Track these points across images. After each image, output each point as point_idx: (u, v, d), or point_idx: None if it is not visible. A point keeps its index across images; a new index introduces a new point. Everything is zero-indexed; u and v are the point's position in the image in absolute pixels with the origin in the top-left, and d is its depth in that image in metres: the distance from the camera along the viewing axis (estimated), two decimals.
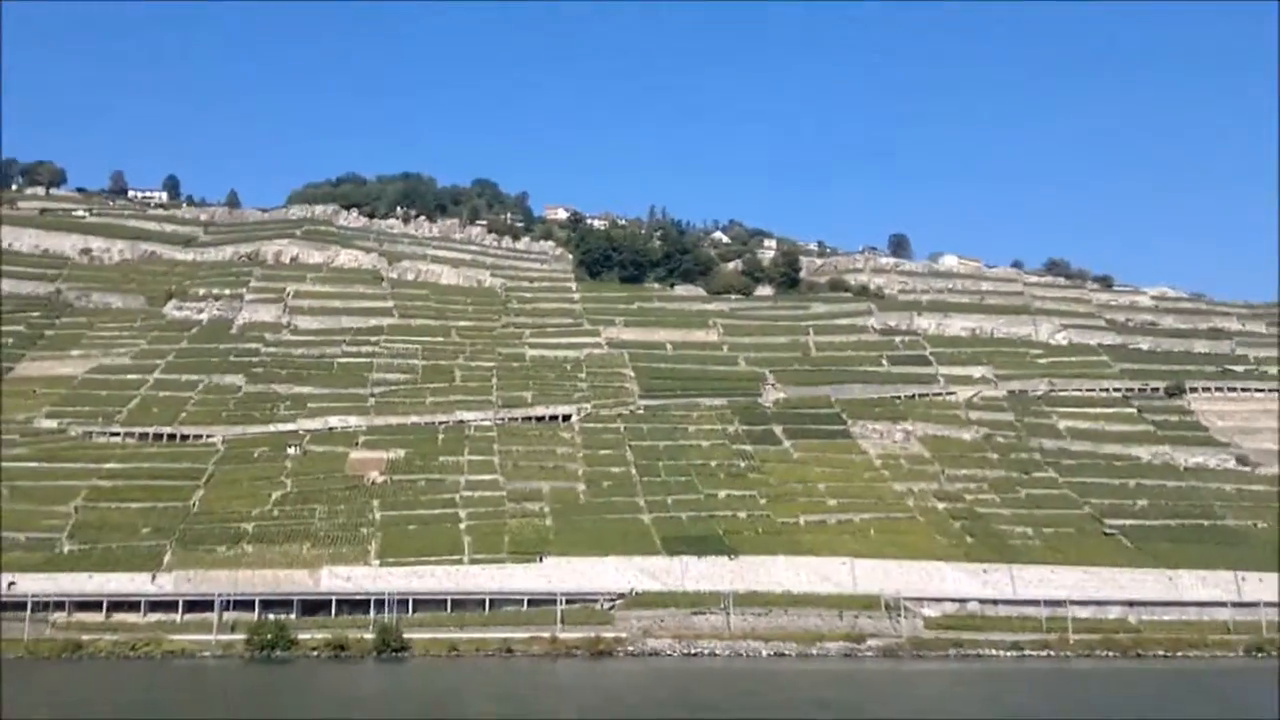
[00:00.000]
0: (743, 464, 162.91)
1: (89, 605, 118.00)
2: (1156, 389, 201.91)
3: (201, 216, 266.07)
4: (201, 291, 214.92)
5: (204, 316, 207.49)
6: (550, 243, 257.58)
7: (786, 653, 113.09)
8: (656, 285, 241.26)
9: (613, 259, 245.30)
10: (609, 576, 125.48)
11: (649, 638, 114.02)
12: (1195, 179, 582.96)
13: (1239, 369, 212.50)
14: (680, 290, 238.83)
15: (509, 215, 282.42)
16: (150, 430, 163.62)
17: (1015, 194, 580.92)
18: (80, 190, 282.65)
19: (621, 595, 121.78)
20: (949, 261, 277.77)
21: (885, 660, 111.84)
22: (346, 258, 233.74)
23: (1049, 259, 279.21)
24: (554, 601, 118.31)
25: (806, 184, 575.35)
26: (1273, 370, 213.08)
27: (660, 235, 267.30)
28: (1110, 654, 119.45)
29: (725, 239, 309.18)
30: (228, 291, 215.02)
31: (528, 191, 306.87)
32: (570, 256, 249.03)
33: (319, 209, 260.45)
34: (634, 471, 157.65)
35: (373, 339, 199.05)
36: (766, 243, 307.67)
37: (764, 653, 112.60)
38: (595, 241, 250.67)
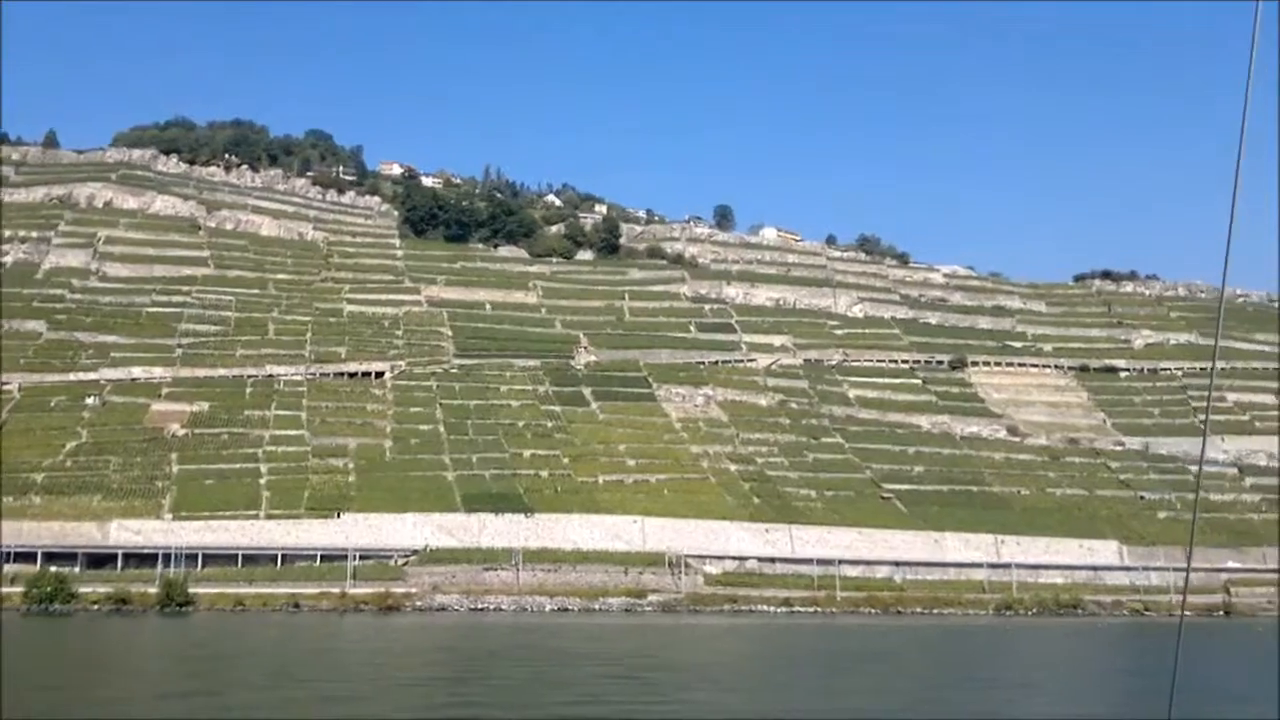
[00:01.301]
0: (550, 424, 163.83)
1: None
2: (941, 361, 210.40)
3: (14, 156, 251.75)
4: (6, 234, 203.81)
5: (8, 259, 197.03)
6: (377, 198, 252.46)
7: (570, 607, 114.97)
8: (480, 246, 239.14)
9: (438, 217, 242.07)
10: (406, 533, 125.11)
11: (438, 593, 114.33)
12: (1003, 165, 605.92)
13: (1017, 345, 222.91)
14: (503, 251, 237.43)
15: (340, 169, 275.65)
16: None
17: (834, 171, 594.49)
18: None
19: (416, 552, 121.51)
20: (768, 234, 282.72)
21: (663, 615, 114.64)
22: (163, 205, 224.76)
23: (860, 235, 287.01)
24: (348, 557, 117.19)
25: (638, 151, 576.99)
26: (1048, 347, 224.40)
27: (489, 196, 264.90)
28: (872, 610, 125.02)
29: (558, 202, 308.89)
30: (35, 234, 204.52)
31: (364, 145, 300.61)
32: (396, 213, 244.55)
33: (137, 153, 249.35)
34: (443, 430, 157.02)
35: (185, 289, 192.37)
36: (597, 208, 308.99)
37: (548, 607, 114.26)
38: (421, 199, 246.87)
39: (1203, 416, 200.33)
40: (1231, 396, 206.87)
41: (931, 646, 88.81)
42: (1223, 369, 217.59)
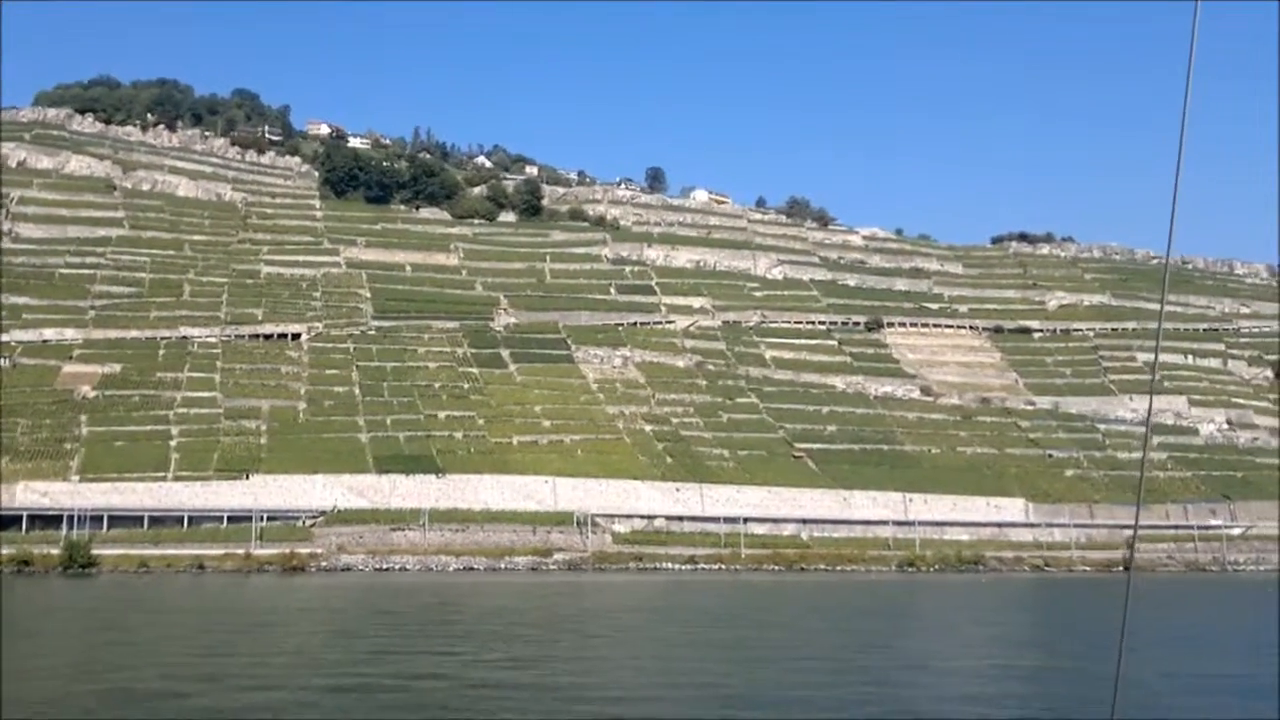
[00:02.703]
0: (466, 386, 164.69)
1: None
2: (858, 323, 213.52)
3: None
4: None
5: None
6: (297, 159, 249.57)
7: (475, 566, 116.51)
8: (402, 207, 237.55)
9: (359, 179, 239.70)
10: (315, 494, 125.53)
11: (343, 553, 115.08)
12: (930, 131, 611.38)
13: (933, 306, 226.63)
14: (425, 213, 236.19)
15: (266, 129, 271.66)
16: None
17: (767, 136, 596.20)
18: None
19: (324, 513, 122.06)
20: (699, 196, 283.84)
21: (568, 573, 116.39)
22: (78, 165, 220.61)
23: (790, 197, 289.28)
24: (253, 518, 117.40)
25: (572, 114, 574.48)
26: (963, 309, 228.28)
27: (412, 158, 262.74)
28: (776, 567, 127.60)
29: (487, 164, 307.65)
30: None
31: (291, 106, 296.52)
32: (316, 174, 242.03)
33: (53, 113, 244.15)
34: (358, 392, 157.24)
35: (99, 250, 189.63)
36: (528, 169, 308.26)
37: (453, 567, 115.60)
38: (342, 160, 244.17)
39: (1113, 377, 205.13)
40: (1141, 356, 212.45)
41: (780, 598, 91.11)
42: (1133, 329, 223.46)
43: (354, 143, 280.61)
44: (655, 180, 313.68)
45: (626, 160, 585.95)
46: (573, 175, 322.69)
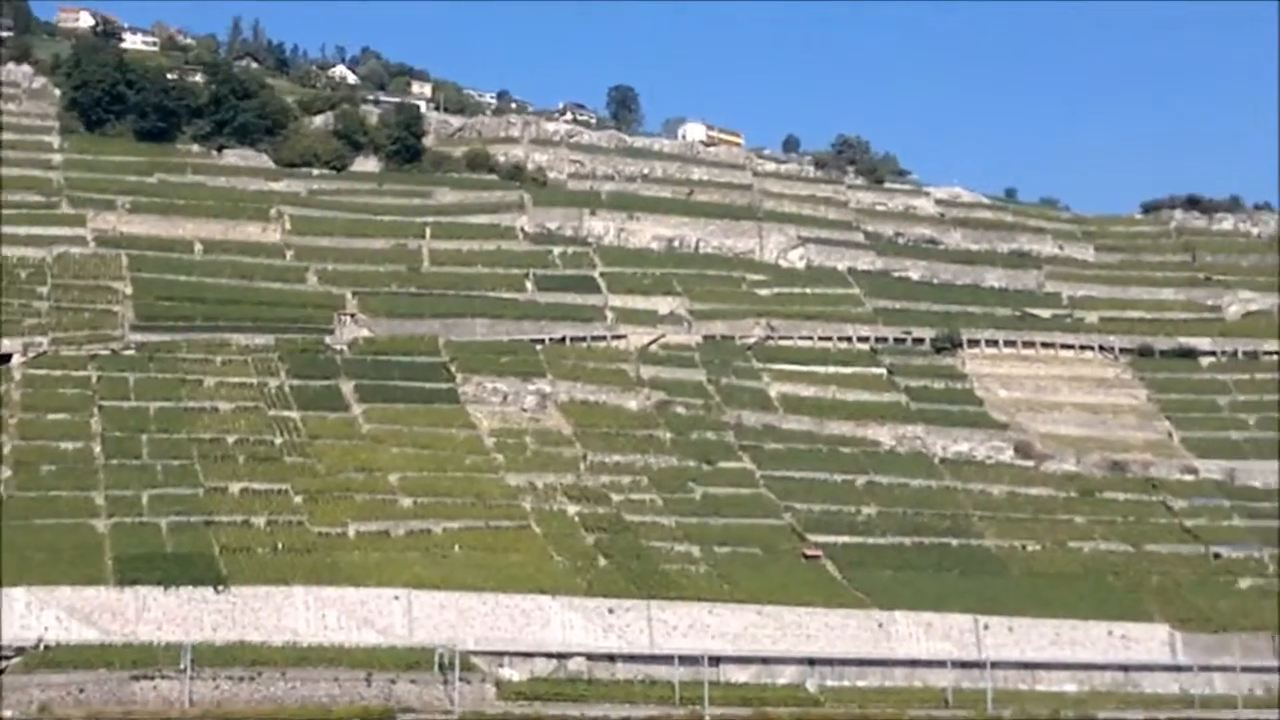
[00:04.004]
0: (279, 441, 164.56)
1: None
2: (921, 340, 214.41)
3: None
4: None
5: None
6: (27, 68, 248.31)
7: None
8: (195, 147, 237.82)
9: (127, 101, 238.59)
10: (13, 619, 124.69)
11: (48, 717, 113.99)
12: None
13: (1044, 314, 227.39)
14: (232, 157, 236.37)
15: None
16: None
17: (803, 53, 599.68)
18: None
19: (22, 649, 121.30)
20: (693, 133, 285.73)
21: None
22: None
23: (838, 136, 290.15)
24: None
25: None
26: (1091, 317, 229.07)
27: (223, 68, 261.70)
28: None
29: (351, 78, 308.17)
30: None
31: None
32: (59, 93, 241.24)
33: None
34: (98, 449, 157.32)
35: None
36: (416, 88, 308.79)
37: None
38: (101, 71, 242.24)
39: None
40: None
41: None
42: None
43: (131, 42, 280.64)
44: (622, 107, 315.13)
45: (582, 77, 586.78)
46: (490, 98, 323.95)
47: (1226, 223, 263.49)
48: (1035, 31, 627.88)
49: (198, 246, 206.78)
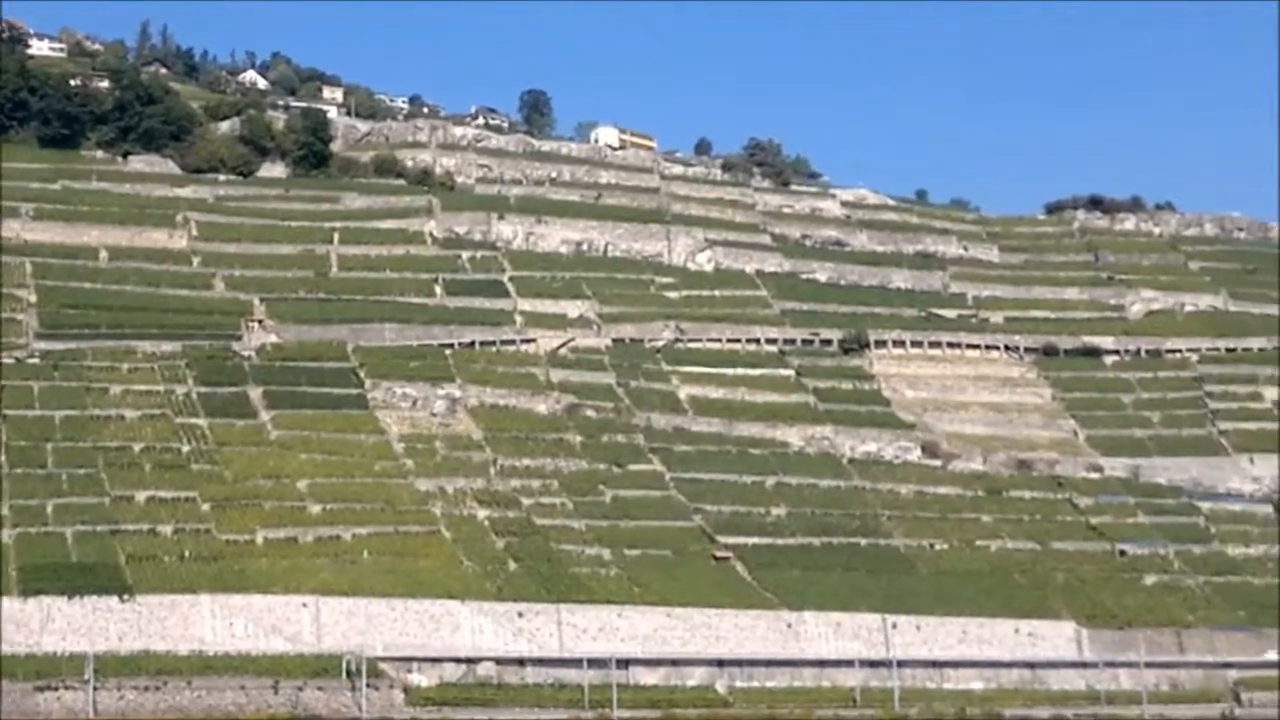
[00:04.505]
0: (186, 449, 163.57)
1: None
2: (828, 341, 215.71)
3: None
4: None
5: None
6: None
7: None
8: (100, 153, 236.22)
9: (30, 107, 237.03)
10: None
11: None
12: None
13: (950, 314, 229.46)
14: (138, 163, 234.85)
15: None
16: None
17: (711, 41, 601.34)
18: None
19: None
20: (605, 137, 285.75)
21: None
22: None
23: (750, 139, 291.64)
24: None
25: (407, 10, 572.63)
26: (997, 317, 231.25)
27: (129, 74, 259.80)
28: None
29: (261, 84, 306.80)
30: None
31: None
32: None
33: None
34: (3, 459, 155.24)
35: None
36: (327, 93, 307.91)
37: None
38: (4, 77, 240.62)
39: (1226, 425, 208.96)
40: (1270, 392, 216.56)
41: None
42: (1263, 349, 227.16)
43: (37, 48, 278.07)
44: (535, 111, 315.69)
45: (495, 82, 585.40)
46: (402, 104, 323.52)
47: (1129, 223, 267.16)
48: (946, 33, 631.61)
49: (103, 253, 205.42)
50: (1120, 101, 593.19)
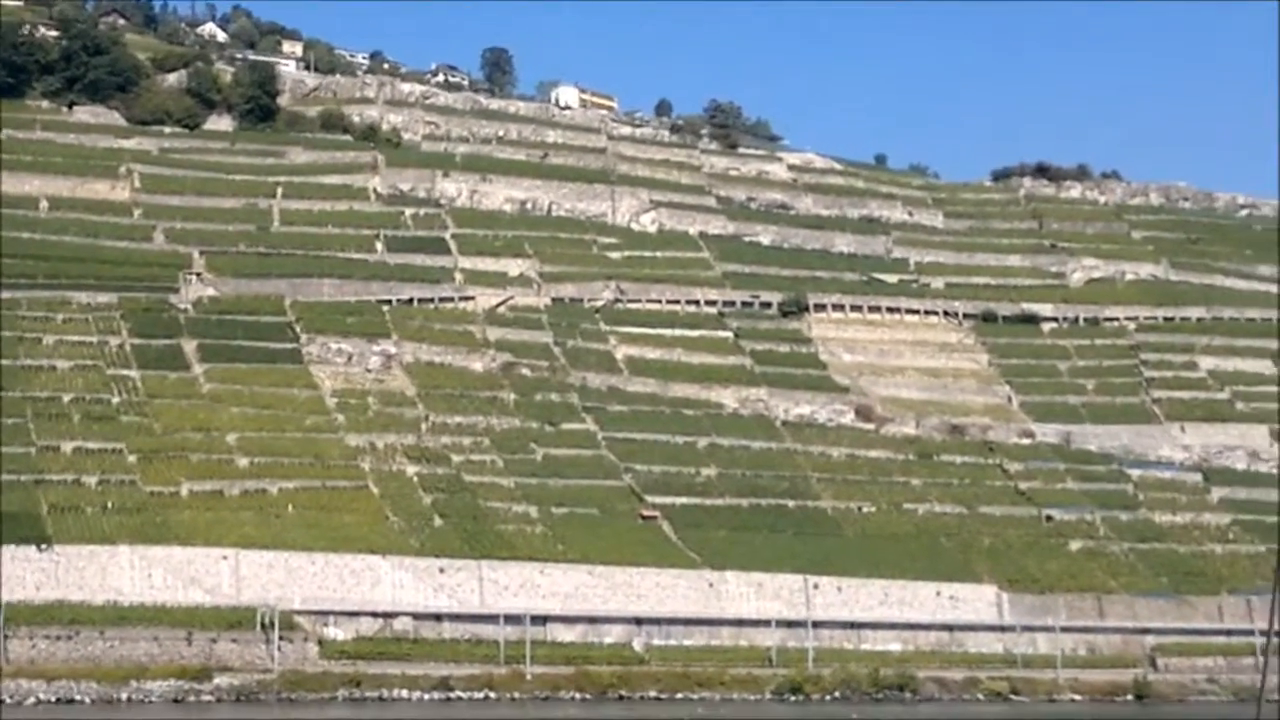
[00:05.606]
0: (116, 400, 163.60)
1: None
2: (768, 304, 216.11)
3: None
4: None
5: None
6: None
7: (80, 697, 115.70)
8: (45, 103, 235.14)
9: None
10: None
11: None
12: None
13: (890, 279, 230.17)
14: (83, 114, 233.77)
15: None
16: None
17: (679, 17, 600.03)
18: None
19: None
20: (566, 96, 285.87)
21: (236, 707, 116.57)
22: None
23: (711, 101, 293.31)
24: None
25: None
26: (938, 283, 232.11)
27: (77, 24, 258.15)
28: (581, 695, 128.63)
29: (220, 36, 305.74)
30: None
31: None
32: None
33: None
34: None
35: None
36: (288, 47, 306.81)
37: (41, 696, 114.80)
38: None
39: (1159, 394, 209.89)
40: (1206, 362, 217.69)
41: None
42: (1200, 320, 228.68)
43: None
44: (496, 69, 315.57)
45: (458, 39, 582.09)
46: (363, 59, 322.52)
47: (1074, 191, 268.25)
48: None
49: (43, 203, 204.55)
50: (1074, 67, 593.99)
